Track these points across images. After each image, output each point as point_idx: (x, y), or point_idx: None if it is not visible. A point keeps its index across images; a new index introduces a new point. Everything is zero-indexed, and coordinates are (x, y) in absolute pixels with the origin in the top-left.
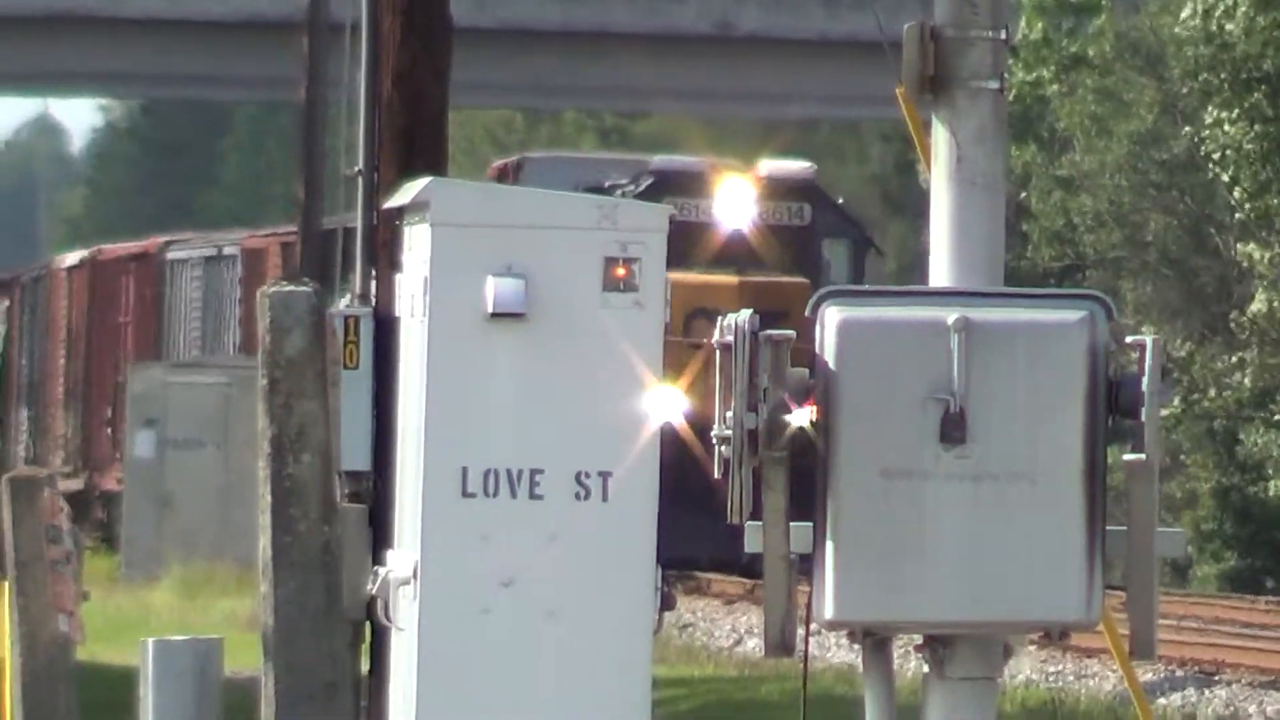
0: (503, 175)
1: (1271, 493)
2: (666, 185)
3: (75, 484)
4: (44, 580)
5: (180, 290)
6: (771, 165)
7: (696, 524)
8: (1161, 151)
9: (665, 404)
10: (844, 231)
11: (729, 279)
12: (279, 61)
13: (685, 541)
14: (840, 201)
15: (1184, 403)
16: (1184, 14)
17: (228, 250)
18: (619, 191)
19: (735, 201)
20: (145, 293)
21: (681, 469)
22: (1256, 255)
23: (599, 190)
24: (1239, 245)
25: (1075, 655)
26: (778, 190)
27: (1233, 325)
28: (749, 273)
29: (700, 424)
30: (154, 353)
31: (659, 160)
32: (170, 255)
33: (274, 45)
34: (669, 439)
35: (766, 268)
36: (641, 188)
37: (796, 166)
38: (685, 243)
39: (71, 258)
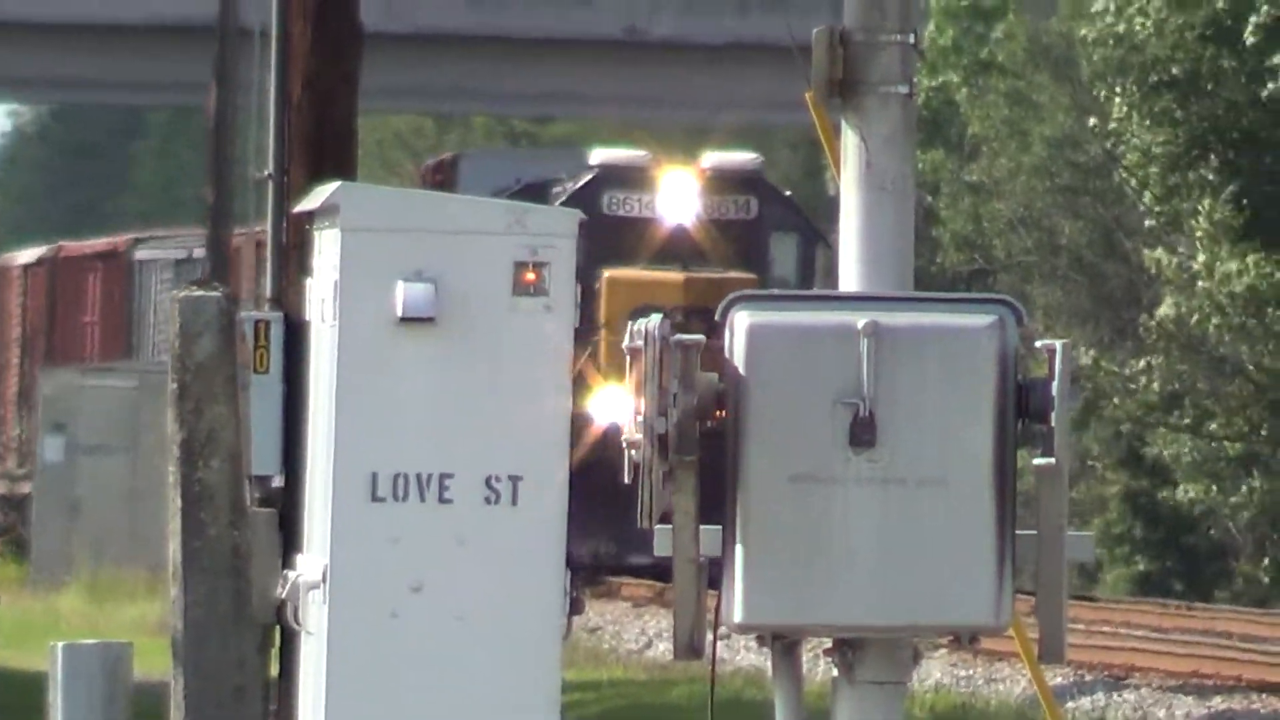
0: (438, 172)
1: (1180, 497)
2: (608, 180)
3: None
4: None
5: (149, 291)
6: (716, 157)
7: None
8: (1078, 153)
9: (609, 406)
10: (792, 225)
11: (674, 276)
12: (190, 66)
13: (627, 543)
14: (788, 194)
15: (1088, 409)
16: (1096, 6)
17: (198, 252)
18: (557, 187)
19: (679, 195)
20: (113, 292)
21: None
22: (1164, 261)
23: (540, 186)
24: (1147, 251)
25: (985, 659)
26: (722, 183)
27: (1141, 331)
28: (694, 269)
29: None
30: (124, 354)
31: (599, 154)
32: (139, 255)
33: (185, 50)
34: (613, 440)
35: (712, 264)
36: (581, 183)
37: (742, 158)
38: (628, 238)
39: (27, 255)
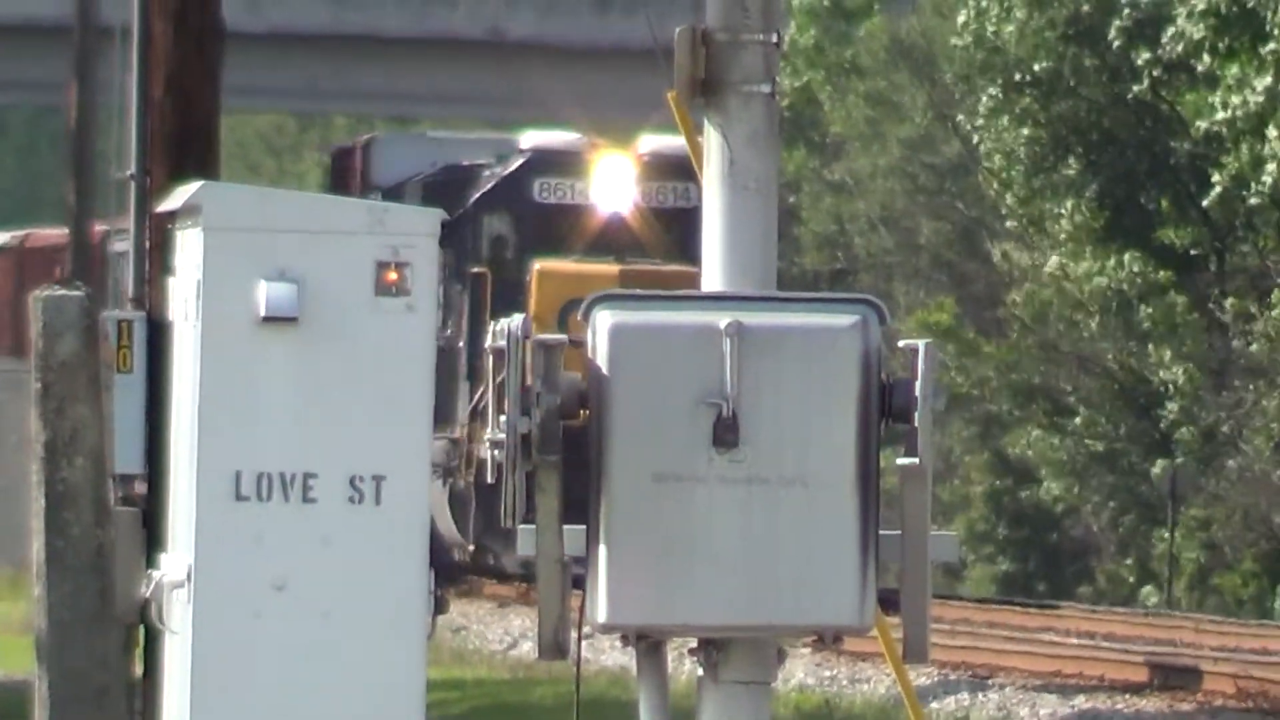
0: (347, 157)
1: (1044, 494)
2: (539, 165)
3: None
4: None
5: (124, 281)
6: (653, 142)
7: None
8: (934, 155)
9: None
10: None
11: (608, 267)
12: (50, 64)
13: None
14: None
15: (954, 400)
16: (960, 19)
17: None
18: (485, 172)
19: (614, 182)
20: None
21: None
22: (1025, 262)
23: (461, 170)
24: (1009, 251)
25: (849, 659)
26: (661, 169)
27: (1001, 316)
28: (630, 260)
29: None
30: None
31: (530, 137)
32: (116, 247)
33: (45, 48)
34: None
35: (650, 254)
36: (511, 168)
37: (681, 143)
38: (561, 227)
39: None
